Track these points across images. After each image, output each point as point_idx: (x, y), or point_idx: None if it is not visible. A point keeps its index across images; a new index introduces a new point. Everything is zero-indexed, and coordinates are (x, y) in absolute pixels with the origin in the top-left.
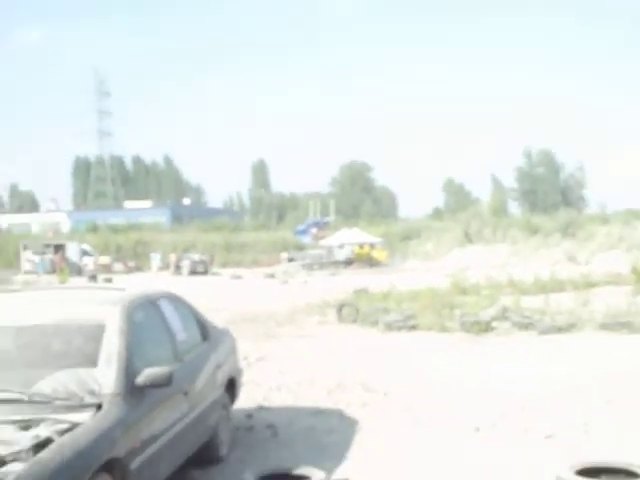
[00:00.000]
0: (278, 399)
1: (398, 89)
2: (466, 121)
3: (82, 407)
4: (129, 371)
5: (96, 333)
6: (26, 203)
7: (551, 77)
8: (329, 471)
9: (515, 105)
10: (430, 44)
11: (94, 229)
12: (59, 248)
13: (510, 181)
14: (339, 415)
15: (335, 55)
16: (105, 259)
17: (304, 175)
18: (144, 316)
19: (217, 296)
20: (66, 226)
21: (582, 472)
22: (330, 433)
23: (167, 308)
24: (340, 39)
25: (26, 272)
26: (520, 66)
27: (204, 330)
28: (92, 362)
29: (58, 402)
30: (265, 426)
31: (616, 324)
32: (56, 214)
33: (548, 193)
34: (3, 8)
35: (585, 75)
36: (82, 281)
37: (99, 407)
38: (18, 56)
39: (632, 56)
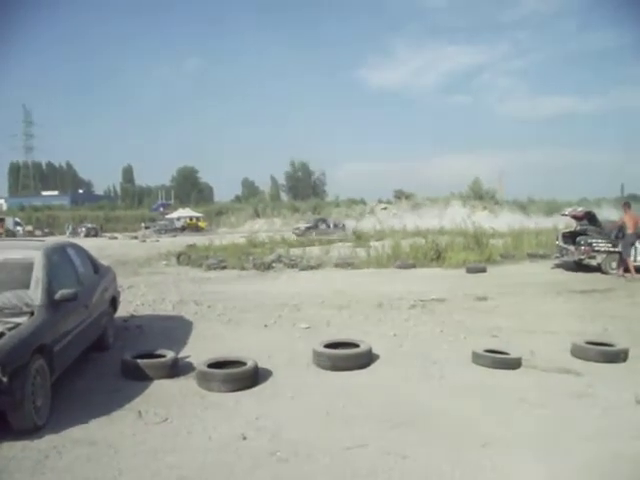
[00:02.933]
0: (142, 310)
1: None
2: (257, 138)
3: (21, 314)
4: (49, 291)
5: (28, 267)
6: None
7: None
8: (177, 351)
9: (285, 130)
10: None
11: (22, 209)
12: (1, 220)
13: (282, 179)
14: (180, 319)
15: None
16: (29, 227)
17: (154, 173)
18: (57, 257)
19: (101, 249)
20: (4, 207)
21: (327, 345)
22: (176, 330)
23: (72, 252)
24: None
25: None
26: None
27: (95, 266)
28: (26, 286)
29: (6, 311)
30: (135, 327)
31: (344, 263)
32: None
33: (304, 188)
34: None
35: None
36: None
37: (32, 314)
38: None
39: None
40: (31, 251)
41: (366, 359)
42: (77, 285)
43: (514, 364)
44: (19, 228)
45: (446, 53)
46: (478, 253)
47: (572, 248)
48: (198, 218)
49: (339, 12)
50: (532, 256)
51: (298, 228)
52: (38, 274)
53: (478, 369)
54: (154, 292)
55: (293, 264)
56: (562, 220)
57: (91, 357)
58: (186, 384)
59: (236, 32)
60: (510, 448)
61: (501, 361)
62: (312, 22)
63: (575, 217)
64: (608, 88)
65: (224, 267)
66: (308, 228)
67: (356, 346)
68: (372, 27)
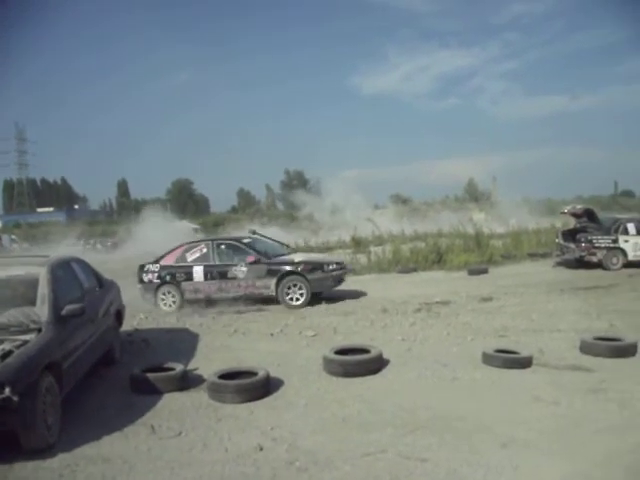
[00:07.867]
0: (146, 324)
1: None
2: (252, 150)
3: (29, 331)
4: (56, 307)
5: (33, 284)
6: None
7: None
8: (185, 364)
9: (282, 139)
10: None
11: (18, 226)
12: None
13: (277, 188)
14: (186, 331)
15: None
16: (26, 244)
17: (149, 186)
18: (62, 272)
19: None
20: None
21: (337, 352)
22: (182, 342)
23: (76, 267)
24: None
25: None
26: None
27: (100, 280)
28: (32, 302)
29: (13, 328)
30: (141, 340)
31: None
32: None
33: (299, 196)
34: None
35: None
36: None
37: (39, 330)
38: None
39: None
40: (35, 267)
41: (377, 364)
42: (83, 300)
43: (525, 363)
44: (15, 245)
45: (438, 57)
46: (479, 254)
47: (572, 246)
48: (196, 229)
49: (329, 19)
50: (533, 255)
51: None
52: (44, 290)
53: (489, 370)
54: None
55: None
56: (560, 218)
57: (99, 372)
58: (197, 396)
59: (223, 39)
60: (530, 447)
61: (512, 361)
62: (303, 27)
63: (574, 215)
64: (598, 86)
65: None
66: None
67: (367, 352)
68: (363, 34)
